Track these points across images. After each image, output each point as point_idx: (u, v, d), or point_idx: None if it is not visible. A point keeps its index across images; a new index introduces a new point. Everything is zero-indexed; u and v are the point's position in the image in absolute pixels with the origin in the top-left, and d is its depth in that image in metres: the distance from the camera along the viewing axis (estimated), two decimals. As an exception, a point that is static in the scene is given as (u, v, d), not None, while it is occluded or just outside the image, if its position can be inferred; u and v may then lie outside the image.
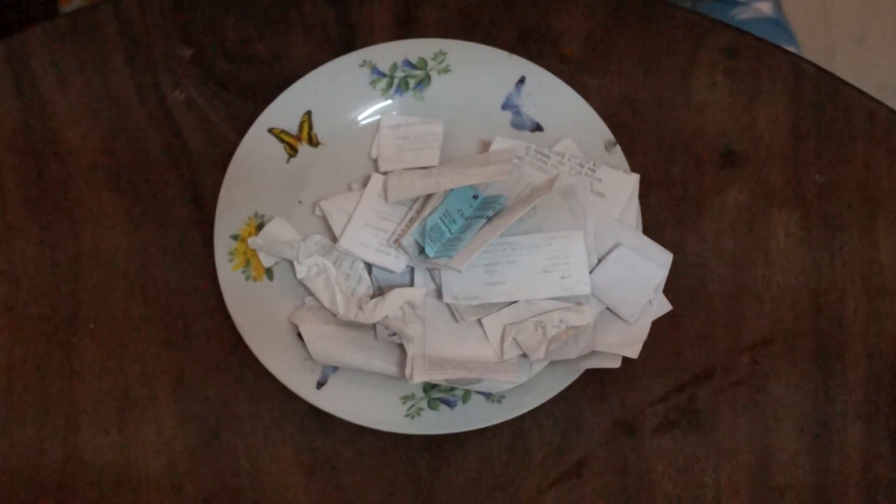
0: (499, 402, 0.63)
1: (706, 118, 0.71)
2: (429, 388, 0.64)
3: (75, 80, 0.71)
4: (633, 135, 0.70)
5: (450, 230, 0.64)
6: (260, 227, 0.67)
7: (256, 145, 0.68)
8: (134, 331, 0.67)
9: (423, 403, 0.64)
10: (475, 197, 0.65)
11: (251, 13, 0.72)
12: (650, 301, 0.64)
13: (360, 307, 0.63)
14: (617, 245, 0.64)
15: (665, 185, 0.69)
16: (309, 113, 0.68)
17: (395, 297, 0.63)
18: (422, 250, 0.65)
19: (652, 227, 0.68)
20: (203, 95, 0.71)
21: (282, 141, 0.68)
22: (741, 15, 0.72)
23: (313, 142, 0.69)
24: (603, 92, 0.71)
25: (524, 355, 0.63)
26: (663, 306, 0.64)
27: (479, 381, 0.61)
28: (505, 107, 0.69)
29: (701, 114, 0.71)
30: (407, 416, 0.63)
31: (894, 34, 1.26)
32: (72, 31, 0.72)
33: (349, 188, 0.68)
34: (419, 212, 0.65)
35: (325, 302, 0.64)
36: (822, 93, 0.71)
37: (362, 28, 0.72)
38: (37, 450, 0.66)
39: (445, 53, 0.69)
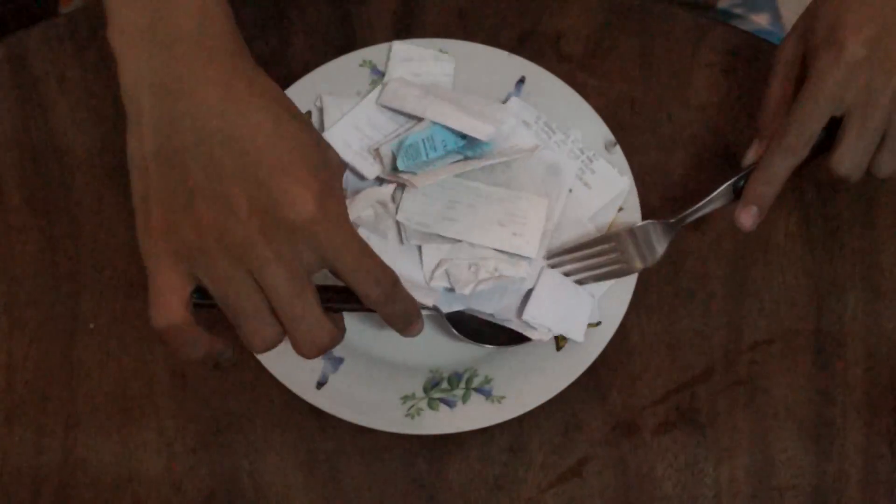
0: (499, 402, 0.63)
1: (706, 118, 0.71)
2: (429, 387, 0.64)
3: (75, 80, 0.71)
4: (633, 135, 0.70)
5: (427, 154, 0.65)
6: None
7: None
8: (134, 331, 0.67)
9: (423, 403, 0.64)
10: (463, 136, 0.66)
11: (251, 13, 0.72)
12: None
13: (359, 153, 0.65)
14: (543, 269, 0.65)
15: (665, 185, 0.69)
16: (309, 113, 0.68)
17: (365, 198, 0.64)
18: (395, 164, 0.66)
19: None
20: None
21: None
22: (739, 27, 0.72)
23: (313, 142, 0.69)
24: (603, 92, 0.71)
25: (451, 289, 0.63)
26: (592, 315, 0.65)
27: None
28: (505, 107, 0.69)
29: (701, 114, 0.71)
30: (407, 416, 0.63)
31: (894, 34, 1.26)
32: (72, 31, 0.71)
33: (357, 93, 0.68)
34: (408, 131, 0.66)
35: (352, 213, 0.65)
36: (822, 93, 0.71)
37: (362, 28, 0.72)
38: (37, 450, 0.66)
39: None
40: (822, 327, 0.67)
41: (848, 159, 0.60)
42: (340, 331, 0.53)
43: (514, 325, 0.64)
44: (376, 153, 0.66)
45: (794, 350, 0.67)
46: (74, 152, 0.70)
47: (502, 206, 0.65)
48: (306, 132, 0.50)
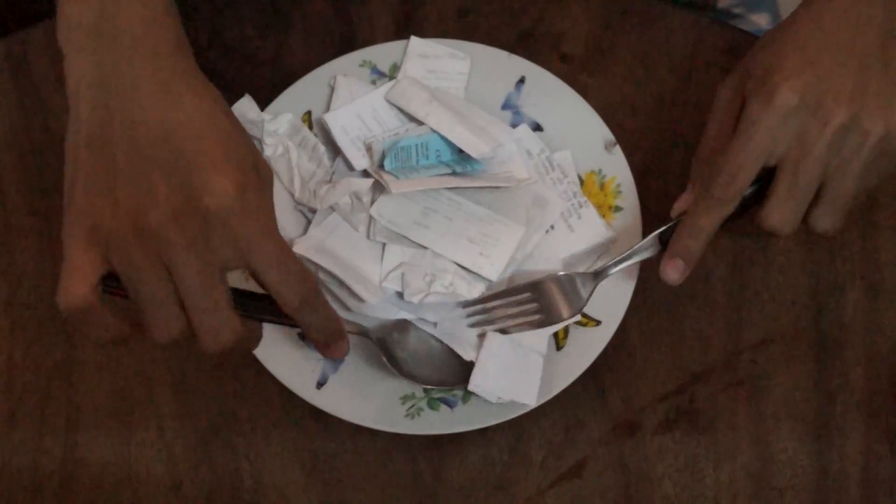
0: (499, 402, 0.63)
1: (706, 118, 0.71)
2: (429, 387, 0.64)
3: (75, 80, 0.71)
4: (633, 135, 0.70)
5: (417, 160, 0.65)
6: None
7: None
8: (134, 331, 0.67)
9: (423, 403, 0.64)
10: (460, 151, 0.65)
11: (251, 13, 0.72)
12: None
13: (314, 193, 0.65)
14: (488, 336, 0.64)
15: (665, 186, 0.69)
16: (309, 113, 0.68)
17: (344, 186, 0.65)
18: (382, 161, 0.66)
19: (652, 228, 0.67)
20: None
21: (282, 141, 0.68)
22: (739, 27, 0.72)
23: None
24: (603, 92, 0.71)
25: (400, 294, 0.63)
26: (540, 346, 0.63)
27: (339, 284, 0.63)
28: (505, 107, 0.69)
29: (701, 114, 0.71)
30: (407, 416, 0.63)
31: (894, 34, 1.27)
32: (72, 31, 0.71)
33: (374, 83, 0.69)
34: (407, 132, 0.67)
35: (285, 182, 0.66)
36: (822, 93, 0.71)
37: (362, 28, 0.72)
38: (37, 450, 0.66)
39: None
40: (822, 327, 0.67)
41: (777, 212, 0.56)
42: (254, 337, 0.52)
43: (454, 343, 0.63)
44: (368, 146, 0.66)
45: (794, 350, 0.67)
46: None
47: (478, 225, 0.65)
48: (239, 134, 0.50)
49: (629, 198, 0.67)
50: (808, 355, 0.67)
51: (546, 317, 0.63)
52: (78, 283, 0.48)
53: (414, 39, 0.69)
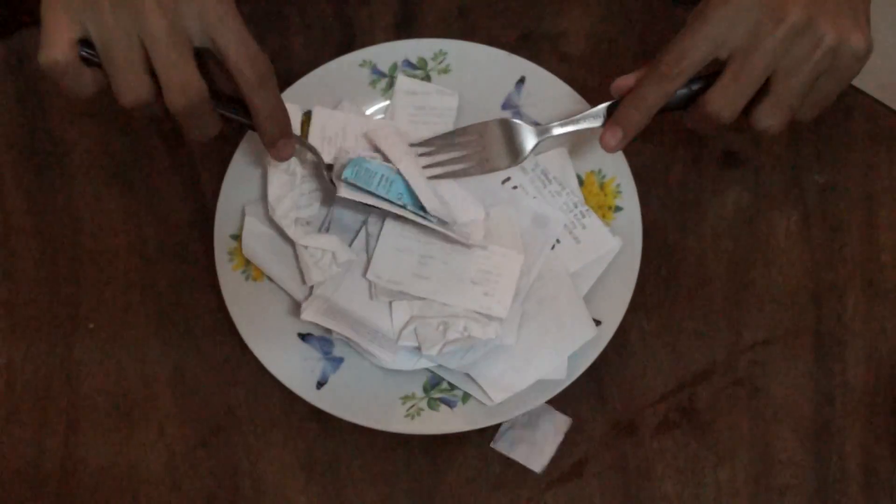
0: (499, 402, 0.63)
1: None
2: (429, 387, 0.64)
3: (75, 80, 0.71)
4: (633, 135, 0.70)
5: (377, 186, 0.64)
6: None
7: (257, 145, 0.68)
8: (134, 331, 0.67)
9: (423, 403, 0.64)
10: (422, 208, 0.64)
11: (251, 13, 0.72)
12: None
13: (295, 221, 0.65)
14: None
15: (665, 186, 0.69)
16: (309, 113, 0.68)
17: (330, 239, 0.65)
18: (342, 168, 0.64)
19: (652, 228, 0.68)
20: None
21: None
22: None
23: (313, 142, 0.69)
24: (603, 92, 0.71)
25: (418, 347, 0.63)
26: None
27: (358, 345, 0.63)
28: (505, 107, 0.69)
29: (701, 114, 0.71)
30: (407, 416, 0.63)
31: (894, 35, 1.26)
32: (72, 31, 0.72)
33: (372, 85, 0.69)
34: (378, 160, 0.65)
35: (270, 195, 0.65)
36: (822, 93, 0.71)
37: (362, 28, 0.72)
38: (37, 450, 0.66)
39: (445, 53, 0.69)
40: (822, 327, 0.67)
41: (719, 97, 0.57)
42: (213, 117, 0.56)
43: (479, 385, 0.63)
44: (337, 155, 0.66)
45: (794, 350, 0.67)
46: (74, 152, 0.70)
47: (476, 262, 0.64)
48: None
49: (629, 198, 0.67)
50: (808, 355, 0.67)
51: (489, 162, 0.64)
52: (57, 42, 0.52)
53: (401, 77, 0.69)
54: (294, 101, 0.68)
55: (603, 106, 0.62)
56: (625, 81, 0.61)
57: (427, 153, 0.65)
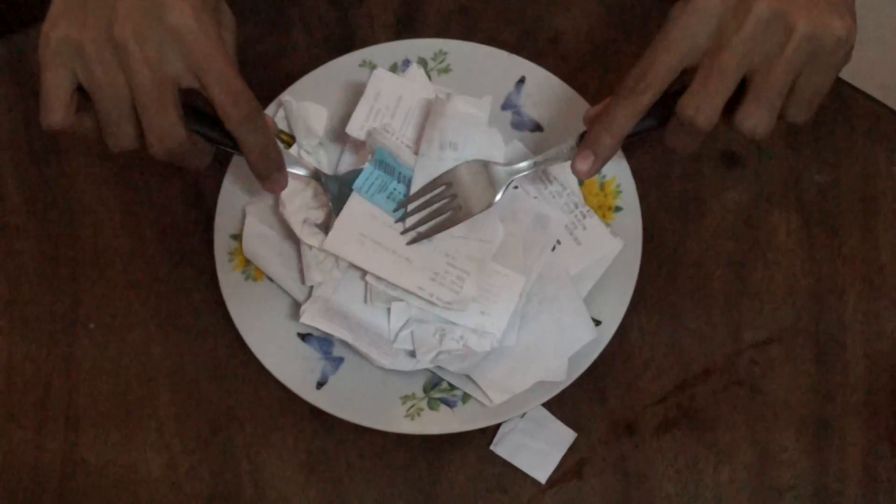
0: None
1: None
2: (429, 387, 0.64)
3: (75, 80, 0.71)
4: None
5: (385, 201, 0.64)
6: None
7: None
8: (134, 331, 0.67)
9: (423, 403, 0.64)
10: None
11: (251, 13, 0.72)
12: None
13: (303, 221, 0.65)
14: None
15: (665, 186, 0.69)
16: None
17: (327, 265, 0.64)
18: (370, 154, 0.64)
19: (652, 228, 0.68)
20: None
21: (282, 141, 0.68)
22: None
23: (313, 142, 0.69)
24: (603, 92, 0.71)
25: (412, 353, 0.63)
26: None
27: (357, 348, 0.63)
28: (505, 107, 0.69)
29: (701, 114, 0.71)
30: (407, 416, 0.63)
31: (894, 34, 1.26)
32: (72, 31, 0.71)
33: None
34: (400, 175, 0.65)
35: (283, 192, 0.64)
36: (822, 93, 0.71)
37: (362, 28, 0.72)
38: (37, 450, 0.66)
39: (445, 53, 0.69)
40: (822, 327, 0.67)
41: (691, 101, 0.55)
42: (203, 154, 0.57)
43: (477, 386, 0.63)
44: (372, 131, 0.65)
45: (794, 350, 0.67)
46: (74, 152, 0.70)
47: (477, 280, 0.64)
48: None
49: (629, 198, 0.67)
50: (808, 355, 0.67)
51: (463, 209, 0.63)
52: (54, 105, 0.53)
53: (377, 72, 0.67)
54: (294, 101, 0.68)
55: (573, 138, 0.60)
56: (595, 110, 0.59)
57: (402, 219, 0.64)
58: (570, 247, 0.66)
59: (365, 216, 0.64)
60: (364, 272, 0.64)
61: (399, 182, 0.64)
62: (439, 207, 0.63)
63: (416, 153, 0.65)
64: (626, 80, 0.56)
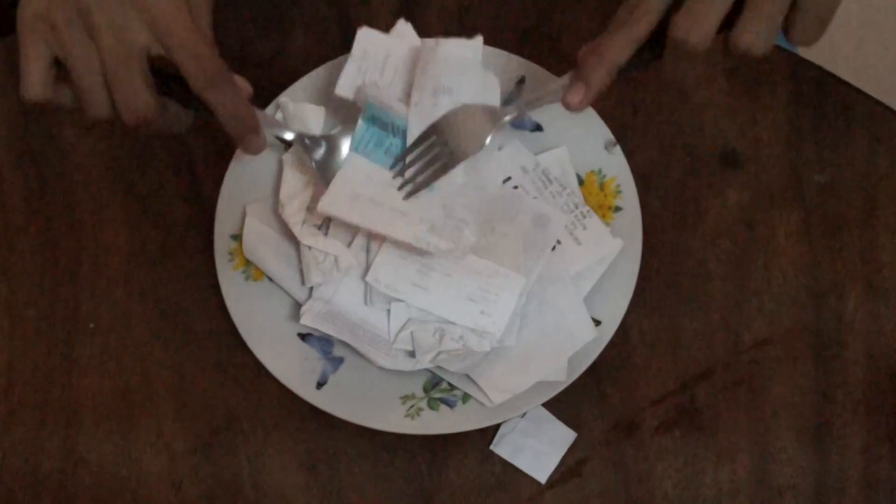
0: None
1: (706, 118, 0.71)
2: (429, 387, 0.64)
3: (75, 80, 0.71)
4: (633, 135, 0.70)
5: (383, 157, 0.63)
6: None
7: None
8: (134, 331, 0.68)
9: (423, 403, 0.64)
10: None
11: (251, 13, 0.72)
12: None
13: (302, 222, 0.65)
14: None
15: (665, 186, 0.69)
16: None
17: (334, 243, 0.64)
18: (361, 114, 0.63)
19: (652, 228, 0.68)
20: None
21: (282, 140, 0.68)
22: None
23: (313, 142, 0.69)
24: (603, 92, 0.71)
25: (412, 353, 0.63)
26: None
27: (356, 348, 0.63)
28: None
29: (701, 114, 0.71)
30: (407, 416, 0.63)
31: (894, 34, 1.26)
32: (72, 31, 0.72)
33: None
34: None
35: (282, 193, 0.65)
36: (822, 93, 0.71)
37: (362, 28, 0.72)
38: (37, 450, 0.66)
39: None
40: (822, 327, 0.67)
41: (685, 18, 0.52)
42: (179, 119, 0.57)
43: (477, 387, 0.63)
44: (361, 87, 0.64)
45: (794, 350, 0.67)
46: (74, 152, 0.70)
47: (477, 280, 0.64)
48: None
49: (629, 198, 0.67)
50: (808, 355, 0.67)
51: (455, 154, 0.62)
52: (30, 79, 0.54)
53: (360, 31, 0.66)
54: (294, 101, 0.68)
55: (567, 74, 0.58)
56: (589, 46, 0.57)
57: (400, 173, 0.63)
58: (570, 247, 0.66)
59: (360, 177, 0.63)
60: (364, 273, 0.64)
61: (395, 136, 0.64)
62: (433, 156, 0.63)
63: (408, 105, 0.64)
64: (620, 11, 0.54)
